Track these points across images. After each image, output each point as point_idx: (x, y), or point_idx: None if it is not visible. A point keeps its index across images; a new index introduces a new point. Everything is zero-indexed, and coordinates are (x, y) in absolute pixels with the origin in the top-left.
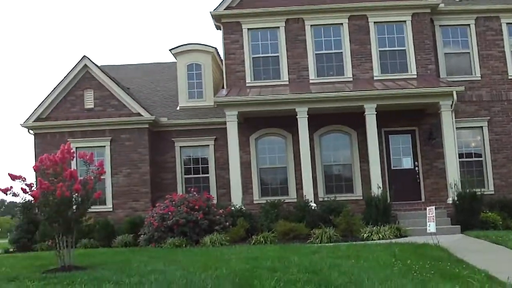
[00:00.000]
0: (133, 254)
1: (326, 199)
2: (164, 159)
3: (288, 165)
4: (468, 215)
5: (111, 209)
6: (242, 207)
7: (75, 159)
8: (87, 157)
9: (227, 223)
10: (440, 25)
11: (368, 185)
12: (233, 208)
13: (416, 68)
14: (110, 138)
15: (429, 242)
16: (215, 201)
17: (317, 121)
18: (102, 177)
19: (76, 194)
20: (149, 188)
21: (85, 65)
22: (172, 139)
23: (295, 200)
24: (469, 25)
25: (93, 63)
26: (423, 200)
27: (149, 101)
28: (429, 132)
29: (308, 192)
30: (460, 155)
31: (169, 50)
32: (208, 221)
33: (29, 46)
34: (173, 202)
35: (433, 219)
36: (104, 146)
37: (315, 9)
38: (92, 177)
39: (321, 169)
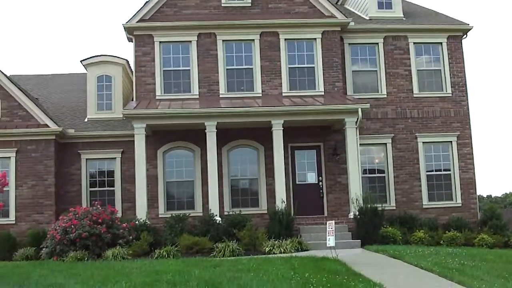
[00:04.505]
0: (34, 268)
1: (231, 213)
2: (70, 171)
3: (195, 179)
4: (369, 229)
5: (14, 222)
6: (147, 221)
7: None
8: None
9: (131, 237)
10: (349, 43)
11: (273, 199)
12: (137, 222)
13: (324, 85)
14: (16, 149)
15: (328, 256)
16: (119, 215)
17: (226, 135)
18: (5, 188)
19: None
20: (53, 200)
21: None
22: (79, 151)
23: (201, 214)
24: (377, 43)
25: (1, 72)
26: (326, 214)
27: (58, 112)
28: (334, 148)
29: (213, 206)
30: (364, 171)
31: (80, 61)
32: (112, 235)
33: None
34: (77, 215)
35: (332, 233)
36: (10, 157)
37: (227, 24)
38: None
39: (228, 183)
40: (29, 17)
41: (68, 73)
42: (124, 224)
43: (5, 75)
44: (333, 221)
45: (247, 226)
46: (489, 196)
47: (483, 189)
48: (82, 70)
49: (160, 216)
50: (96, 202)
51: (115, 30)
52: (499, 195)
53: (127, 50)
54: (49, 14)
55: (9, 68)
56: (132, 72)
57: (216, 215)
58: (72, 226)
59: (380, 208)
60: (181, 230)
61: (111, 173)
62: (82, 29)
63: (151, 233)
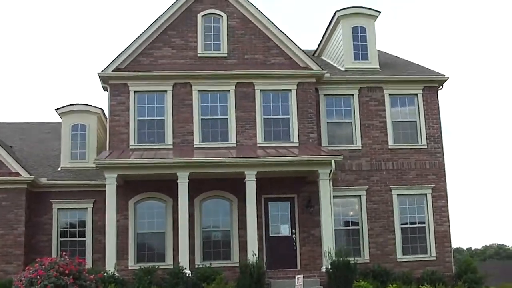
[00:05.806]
0: None
1: (202, 265)
2: (41, 220)
3: (166, 230)
4: (341, 284)
5: None
6: (115, 273)
7: None
8: None
9: None
10: (324, 94)
11: (245, 252)
12: (105, 274)
13: (299, 136)
14: None
15: None
16: (89, 266)
17: (199, 186)
18: None
19: None
20: (22, 250)
21: None
22: (51, 200)
23: (172, 267)
24: (352, 95)
25: None
26: (299, 267)
27: (31, 160)
28: (308, 200)
29: (184, 258)
30: (338, 224)
31: (55, 110)
32: (78, 286)
33: None
34: (43, 266)
35: (301, 287)
36: None
37: (203, 75)
38: None
39: (200, 235)
40: (7, 65)
41: (43, 121)
42: (91, 276)
43: None
44: (302, 276)
45: (217, 280)
46: (469, 249)
47: (462, 241)
48: (57, 118)
49: (129, 267)
50: (64, 253)
51: (91, 79)
52: (479, 247)
53: (102, 99)
54: (27, 62)
55: None
56: (107, 121)
57: (185, 268)
58: (38, 277)
59: (353, 262)
60: (149, 283)
61: (82, 223)
62: (58, 78)
63: (119, 285)
